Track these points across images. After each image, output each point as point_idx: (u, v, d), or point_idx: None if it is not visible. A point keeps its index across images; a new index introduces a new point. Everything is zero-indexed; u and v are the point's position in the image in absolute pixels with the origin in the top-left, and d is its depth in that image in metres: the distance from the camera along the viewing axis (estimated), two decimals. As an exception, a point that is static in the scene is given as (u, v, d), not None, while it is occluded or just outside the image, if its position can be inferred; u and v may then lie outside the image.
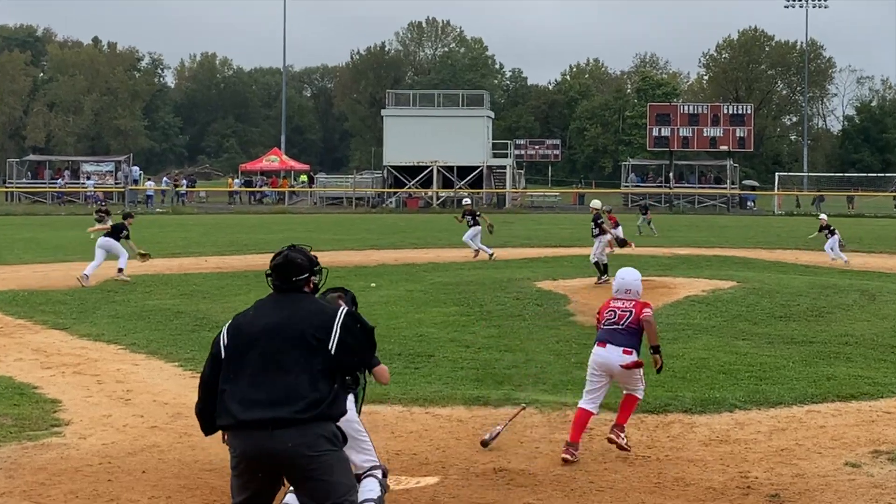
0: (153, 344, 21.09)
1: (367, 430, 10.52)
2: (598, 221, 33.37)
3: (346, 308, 9.03)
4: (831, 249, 40.28)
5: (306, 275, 8.79)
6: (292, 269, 8.69)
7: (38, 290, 29.85)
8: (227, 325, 8.73)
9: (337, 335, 8.33)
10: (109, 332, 22.36)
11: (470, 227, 40.35)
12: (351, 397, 10.41)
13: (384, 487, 10.36)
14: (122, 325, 23.37)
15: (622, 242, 36.83)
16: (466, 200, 47.11)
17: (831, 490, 11.54)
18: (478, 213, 41.93)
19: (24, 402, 15.75)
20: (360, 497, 9.49)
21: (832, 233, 41.15)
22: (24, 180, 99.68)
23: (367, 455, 10.37)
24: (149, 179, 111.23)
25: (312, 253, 9.13)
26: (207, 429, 8.88)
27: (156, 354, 20.07)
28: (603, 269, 31.34)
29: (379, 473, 10.36)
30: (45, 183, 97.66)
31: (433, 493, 11.53)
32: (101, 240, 32.88)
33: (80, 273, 31.00)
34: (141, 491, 11.46)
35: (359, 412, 10.69)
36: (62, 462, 12.51)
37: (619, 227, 44.20)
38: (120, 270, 32.05)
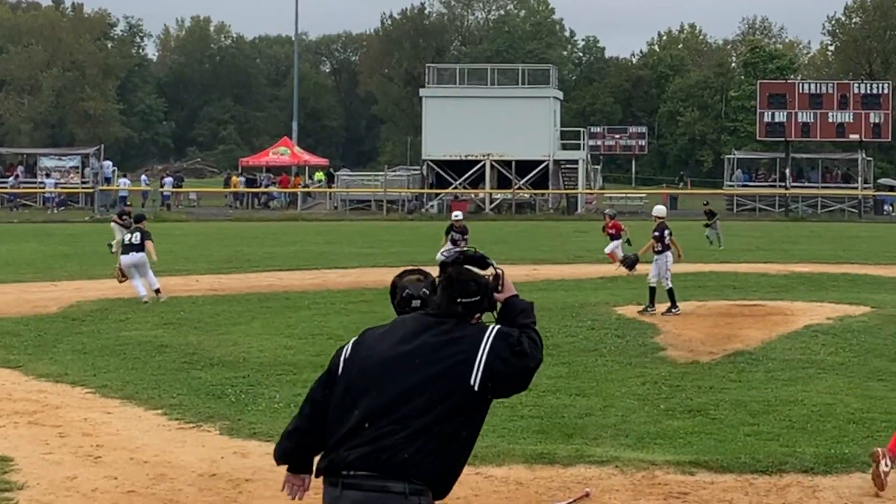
0: (129, 386, 20.92)
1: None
2: (666, 233, 32.48)
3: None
4: None
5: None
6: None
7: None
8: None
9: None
10: (74, 372, 22.25)
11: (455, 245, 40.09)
12: None
13: None
14: (90, 363, 23.27)
15: (630, 263, 36.40)
16: (457, 215, 46.81)
17: None
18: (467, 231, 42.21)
19: (-36, 460, 15.71)
20: None
21: None
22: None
23: None
24: (123, 177, 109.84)
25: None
26: (289, 458, 8.95)
27: (133, 399, 19.86)
28: (671, 296, 30.66)
29: None
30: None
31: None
32: (132, 257, 33.38)
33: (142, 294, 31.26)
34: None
35: None
36: (12, 539, 12.53)
37: (618, 241, 44.21)
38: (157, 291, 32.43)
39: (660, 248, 32.05)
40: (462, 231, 41.56)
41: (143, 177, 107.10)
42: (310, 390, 9.08)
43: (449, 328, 8.53)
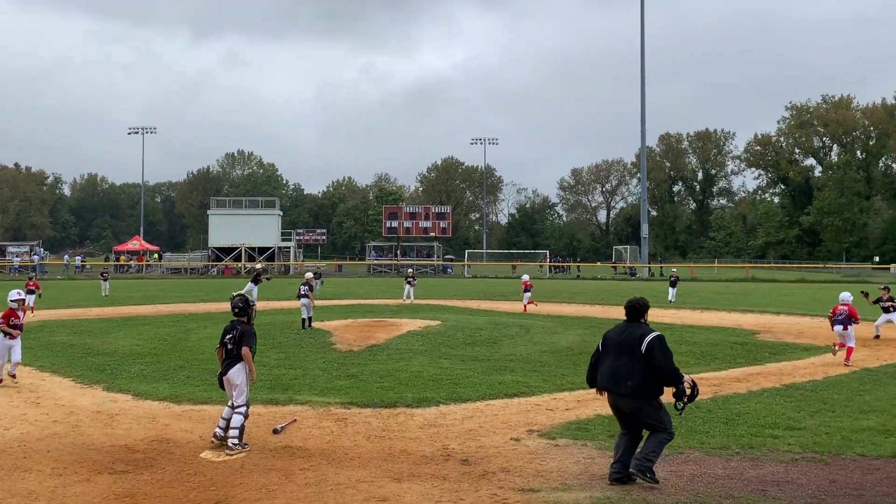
0: (55, 366, 20.50)
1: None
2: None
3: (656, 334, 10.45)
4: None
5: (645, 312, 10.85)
6: (635, 310, 10.71)
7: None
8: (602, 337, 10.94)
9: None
10: (26, 359, 21.16)
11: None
12: (242, 361, 12.45)
13: (246, 416, 12.41)
14: (34, 354, 22.26)
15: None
16: (258, 266, 46.16)
17: (502, 456, 11.79)
18: (261, 274, 41.62)
19: (-45, 409, 15.07)
20: (232, 424, 12.17)
21: (527, 290, 40.48)
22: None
23: (242, 397, 12.40)
24: (78, 254, 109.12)
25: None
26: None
27: (57, 373, 19.48)
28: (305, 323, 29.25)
29: (244, 409, 12.36)
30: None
31: (242, 462, 11.43)
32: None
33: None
34: (46, 464, 11.32)
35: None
36: (-11, 447, 12.20)
37: (530, 293, 41.56)
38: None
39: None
40: (258, 274, 40.54)
41: (66, 256, 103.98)
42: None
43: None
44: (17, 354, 18.14)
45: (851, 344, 21.83)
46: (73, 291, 56.36)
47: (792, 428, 13.01)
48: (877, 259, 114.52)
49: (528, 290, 40.86)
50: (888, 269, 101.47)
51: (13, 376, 18.11)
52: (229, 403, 12.57)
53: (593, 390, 11.10)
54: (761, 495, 10.04)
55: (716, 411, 14.72)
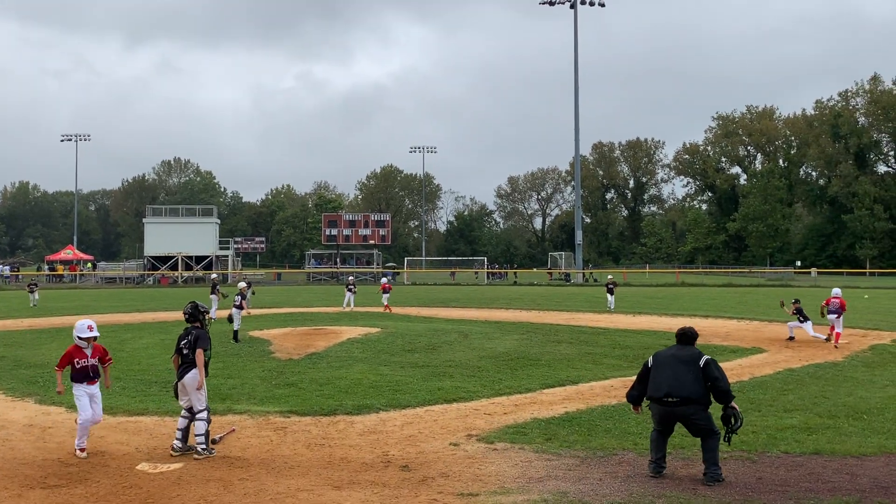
0: (-18, 379, 19.76)
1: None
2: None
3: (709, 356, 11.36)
4: None
5: None
6: (688, 337, 11.56)
7: None
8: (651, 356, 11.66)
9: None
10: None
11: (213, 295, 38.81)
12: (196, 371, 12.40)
13: (208, 422, 12.36)
14: (-42, 368, 21.76)
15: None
16: (214, 276, 45.52)
17: (441, 461, 11.73)
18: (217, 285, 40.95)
19: None
20: (196, 431, 12.18)
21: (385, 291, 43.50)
22: None
23: (202, 400, 12.37)
24: (6, 265, 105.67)
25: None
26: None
27: (-16, 387, 18.79)
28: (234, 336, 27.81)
29: (205, 415, 12.30)
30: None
31: (179, 473, 11.21)
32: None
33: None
34: (-30, 483, 10.90)
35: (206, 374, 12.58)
36: None
37: (388, 295, 44.02)
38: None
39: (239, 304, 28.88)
40: (214, 285, 39.68)
41: (5, 268, 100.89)
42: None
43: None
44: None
45: (840, 330, 26.66)
46: (1, 302, 54.93)
47: (721, 428, 13.12)
48: (798, 263, 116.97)
49: (388, 292, 43.88)
50: (809, 273, 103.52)
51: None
52: (182, 413, 12.45)
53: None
54: (693, 494, 10.16)
55: (648, 413, 14.77)
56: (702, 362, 11.06)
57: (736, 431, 11.18)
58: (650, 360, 11.56)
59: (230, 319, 28.83)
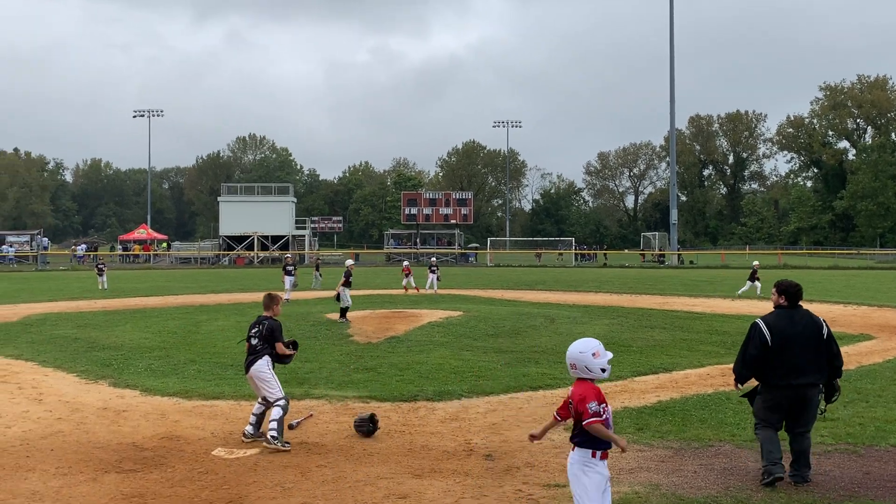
0: (58, 361, 20.34)
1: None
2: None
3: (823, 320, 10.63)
4: None
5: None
6: (800, 295, 10.72)
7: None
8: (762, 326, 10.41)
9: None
10: (27, 353, 21.47)
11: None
12: (266, 357, 12.48)
13: (286, 410, 12.37)
14: (36, 348, 22.43)
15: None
16: (288, 256, 46.35)
17: (526, 450, 11.75)
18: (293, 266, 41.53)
19: (-40, 405, 15.10)
20: (271, 417, 12.17)
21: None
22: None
23: (275, 391, 12.40)
24: (80, 244, 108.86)
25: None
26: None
27: (60, 368, 19.35)
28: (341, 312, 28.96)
29: (283, 402, 12.36)
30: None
31: (256, 459, 11.43)
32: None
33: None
34: (50, 463, 11.25)
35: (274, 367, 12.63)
36: (-9, 446, 12.16)
37: (411, 277, 44.93)
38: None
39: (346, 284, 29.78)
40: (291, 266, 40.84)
41: (82, 246, 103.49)
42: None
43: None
44: None
45: None
46: (75, 283, 56.61)
47: (825, 419, 12.91)
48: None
49: (409, 275, 45.72)
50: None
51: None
52: (259, 399, 12.64)
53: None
54: (794, 488, 10.02)
55: (747, 403, 14.59)
56: (824, 333, 10.33)
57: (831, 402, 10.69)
58: (765, 332, 10.33)
59: (338, 298, 29.48)
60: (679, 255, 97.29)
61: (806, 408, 10.26)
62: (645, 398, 15.47)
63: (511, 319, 29.06)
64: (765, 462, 10.22)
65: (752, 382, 10.65)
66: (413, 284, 45.20)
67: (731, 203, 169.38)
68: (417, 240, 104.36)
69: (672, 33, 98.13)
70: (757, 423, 10.56)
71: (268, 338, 12.56)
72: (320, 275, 50.49)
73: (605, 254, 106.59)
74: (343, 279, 29.90)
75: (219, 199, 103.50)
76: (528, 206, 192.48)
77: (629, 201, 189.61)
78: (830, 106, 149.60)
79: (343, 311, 28.90)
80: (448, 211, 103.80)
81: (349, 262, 33.90)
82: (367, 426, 12.70)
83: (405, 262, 50.49)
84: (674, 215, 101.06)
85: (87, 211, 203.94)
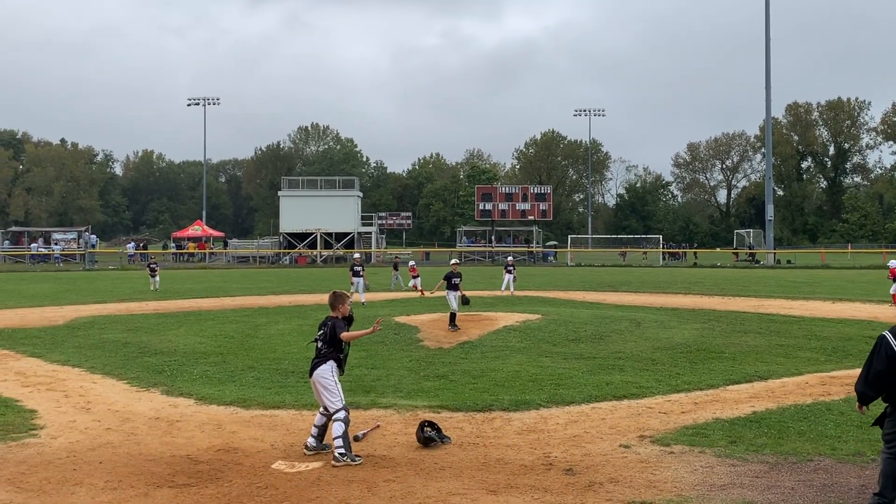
0: (107, 367, 20.59)
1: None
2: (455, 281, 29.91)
3: None
4: None
5: None
6: None
7: (19, 327, 29.03)
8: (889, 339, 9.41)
9: None
10: (74, 359, 21.81)
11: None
12: (331, 361, 12.38)
13: (347, 422, 12.17)
14: (83, 354, 22.78)
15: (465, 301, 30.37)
16: (357, 255, 46.52)
17: (610, 465, 11.65)
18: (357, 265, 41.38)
19: (9, 412, 15.34)
20: (333, 435, 12.01)
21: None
22: (6, 245, 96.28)
23: (335, 400, 12.28)
24: (130, 242, 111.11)
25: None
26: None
27: (109, 374, 19.58)
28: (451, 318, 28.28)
29: (342, 415, 12.17)
30: (23, 248, 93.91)
31: (319, 473, 11.44)
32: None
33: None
34: (99, 477, 11.30)
35: (342, 372, 12.67)
36: (38, 457, 12.25)
37: (419, 279, 45.43)
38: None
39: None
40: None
41: (129, 245, 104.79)
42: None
43: None
44: None
45: None
46: (126, 283, 57.27)
47: None
48: None
49: (417, 277, 46.82)
50: None
51: None
52: (321, 409, 12.61)
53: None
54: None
55: (849, 414, 14.35)
56: None
57: None
58: (893, 345, 9.38)
59: (465, 301, 29.42)
60: (775, 254, 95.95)
61: None
62: (738, 408, 15.26)
63: (593, 323, 28.84)
64: (882, 494, 9.46)
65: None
66: (420, 286, 45.22)
67: (832, 198, 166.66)
68: (492, 237, 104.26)
69: (768, 13, 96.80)
70: (887, 448, 9.65)
71: (332, 340, 12.51)
72: (399, 275, 50.65)
73: (695, 252, 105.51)
74: (443, 281, 29.58)
75: (279, 193, 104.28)
76: (611, 201, 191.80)
77: (721, 196, 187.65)
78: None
79: (452, 317, 28.08)
80: (525, 206, 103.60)
81: (453, 260, 34.18)
82: (421, 433, 12.76)
83: (411, 263, 51.81)
84: (769, 211, 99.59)
85: (138, 206, 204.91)
